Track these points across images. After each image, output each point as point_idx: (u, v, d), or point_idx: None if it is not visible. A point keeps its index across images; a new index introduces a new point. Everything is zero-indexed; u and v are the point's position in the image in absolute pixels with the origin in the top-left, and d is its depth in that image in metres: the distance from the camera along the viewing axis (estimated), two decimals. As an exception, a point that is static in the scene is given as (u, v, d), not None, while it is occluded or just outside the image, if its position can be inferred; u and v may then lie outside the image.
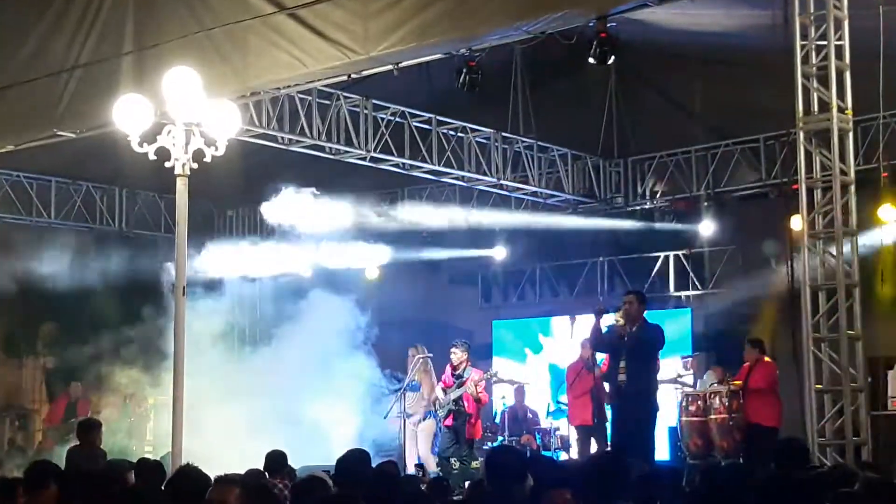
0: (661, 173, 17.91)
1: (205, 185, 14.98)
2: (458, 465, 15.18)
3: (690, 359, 16.78)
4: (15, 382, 20.45)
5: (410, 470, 14.73)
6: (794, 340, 12.17)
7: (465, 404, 15.45)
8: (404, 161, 16.43)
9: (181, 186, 10.55)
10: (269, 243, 20.05)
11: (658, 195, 18.13)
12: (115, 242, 20.02)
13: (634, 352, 12.79)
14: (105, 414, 16.75)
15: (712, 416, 14.35)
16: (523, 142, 17.45)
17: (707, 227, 17.69)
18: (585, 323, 14.78)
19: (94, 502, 7.07)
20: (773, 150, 16.55)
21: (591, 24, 11.93)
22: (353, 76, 12.66)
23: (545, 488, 6.73)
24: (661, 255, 18.85)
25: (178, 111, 10.36)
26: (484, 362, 17.57)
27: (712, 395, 14.49)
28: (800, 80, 11.32)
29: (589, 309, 14.14)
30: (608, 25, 12.08)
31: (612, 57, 12.40)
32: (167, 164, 10.44)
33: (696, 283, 18.64)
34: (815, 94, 11.35)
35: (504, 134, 17.21)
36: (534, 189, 17.86)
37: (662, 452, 15.34)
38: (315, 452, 15.71)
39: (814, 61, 11.33)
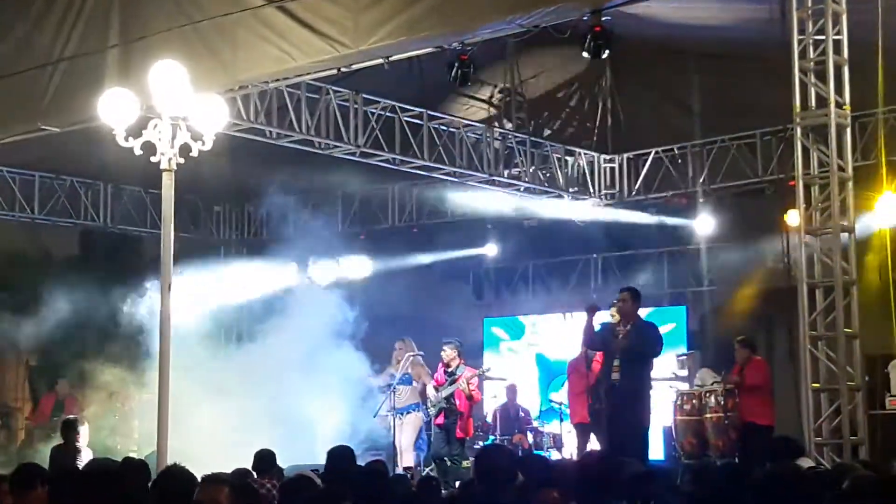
0: (656, 169, 17.72)
1: (191, 181, 14.90)
2: (448, 464, 15.06)
3: (685, 357, 16.63)
4: (-3, 380, 20.35)
5: (401, 468, 14.64)
6: (791, 338, 12.11)
7: (457, 402, 15.33)
8: (395, 156, 16.26)
9: (167, 181, 10.38)
10: (254, 264, 19.92)
11: (653, 191, 17.93)
12: (99, 238, 19.86)
13: (628, 350, 12.66)
14: (89, 412, 16.59)
15: (707, 415, 14.27)
16: (516, 137, 17.27)
17: (703, 224, 17.52)
18: (578, 320, 14.61)
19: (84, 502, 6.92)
20: (770, 146, 16.38)
21: (585, 18, 11.83)
22: (343, 70, 12.56)
23: (533, 487, 6.63)
24: (656, 251, 18.69)
25: (164, 105, 10.19)
26: (475, 360, 17.41)
27: (707, 394, 14.40)
28: (797, 74, 11.29)
29: (582, 306, 13.97)
30: (602, 19, 11.99)
31: (607, 51, 12.32)
32: (153, 159, 10.28)
33: (692, 279, 18.49)
34: (813, 90, 11.34)
35: (496, 129, 17.02)
36: (527, 185, 17.68)
37: (656, 452, 15.22)
38: (303, 450, 15.60)
39: (811, 56, 11.31)
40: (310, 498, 7.13)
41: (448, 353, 15.47)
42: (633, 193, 18.11)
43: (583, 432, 15.10)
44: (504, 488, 6.99)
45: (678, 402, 14.74)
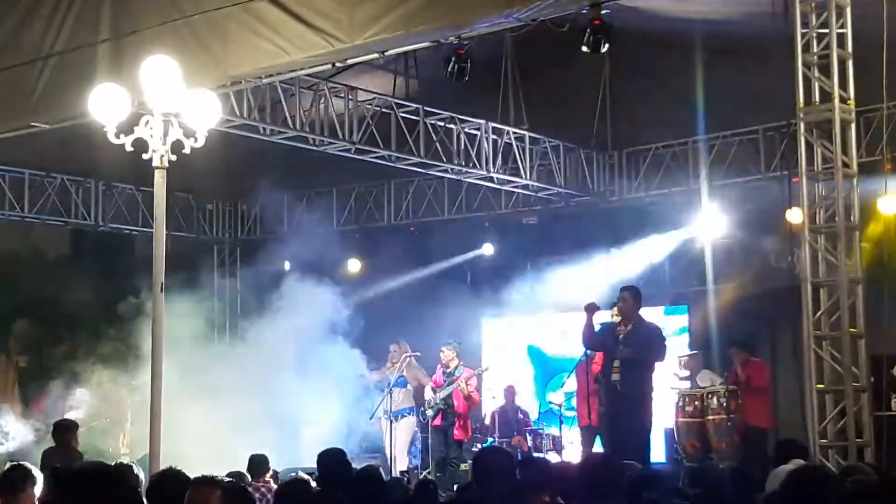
0: (657, 165, 17.52)
1: (184, 179, 14.72)
2: (445, 467, 14.91)
3: (687, 357, 16.43)
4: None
5: (396, 471, 14.52)
6: (795, 338, 11.95)
7: (455, 403, 15.18)
8: (390, 153, 16.07)
9: (159, 179, 10.30)
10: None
11: (653, 188, 17.73)
12: (91, 237, 19.66)
13: (629, 360, 12.51)
14: (80, 414, 16.42)
15: (709, 417, 14.13)
16: (514, 133, 17.09)
17: (704, 221, 17.30)
18: (578, 320, 14.41)
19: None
20: (772, 142, 16.23)
21: (584, 12, 11.71)
22: (338, 65, 12.39)
23: (524, 491, 6.47)
24: (657, 249, 18.49)
25: (156, 101, 10.09)
26: (473, 359, 17.24)
27: (710, 395, 14.26)
28: (800, 69, 11.15)
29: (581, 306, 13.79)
30: (602, 13, 11.85)
31: (606, 45, 12.18)
32: (145, 156, 10.19)
33: (694, 279, 18.28)
34: (817, 84, 11.19)
35: (494, 125, 16.86)
36: (525, 182, 17.49)
37: (658, 455, 15.07)
38: (298, 453, 15.48)
39: (815, 50, 11.17)
40: (306, 502, 7.10)
41: (447, 354, 15.36)
42: (634, 190, 17.91)
43: (589, 436, 14.86)
44: (502, 491, 6.89)
45: (680, 404, 14.62)
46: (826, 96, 11.08)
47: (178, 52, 10.50)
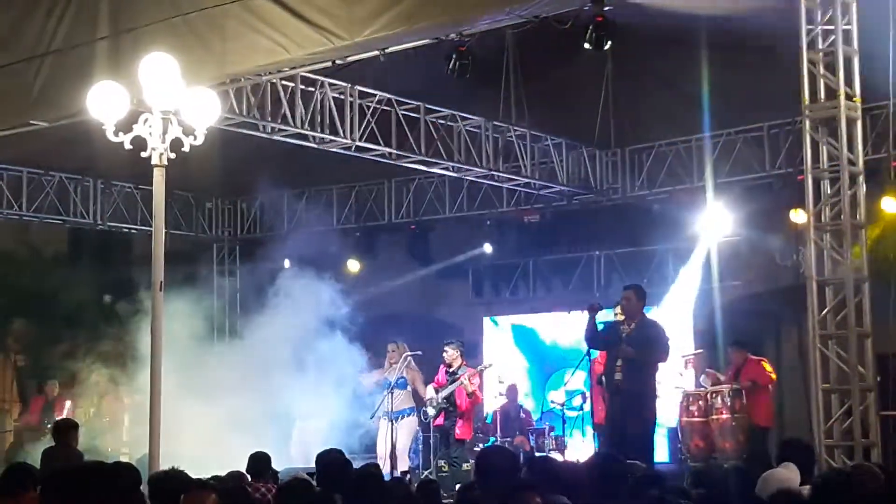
0: (661, 163, 17.43)
1: (183, 177, 14.65)
2: (448, 467, 14.82)
3: (691, 357, 16.36)
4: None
5: (398, 471, 14.44)
6: (800, 337, 11.88)
7: (458, 401, 15.11)
8: (391, 150, 15.99)
9: (158, 177, 10.30)
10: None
11: (656, 186, 17.63)
12: (89, 236, 19.57)
13: (631, 360, 12.43)
14: (79, 414, 16.37)
15: (713, 417, 14.04)
16: (516, 130, 17.01)
17: (708, 220, 17.20)
18: (580, 319, 14.34)
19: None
20: (777, 139, 16.12)
21: (586, 8, 11.63)
22: (338, 62, 12.34)
23: (514, 491, 6.47)
24: (660, 248, 18.42)
25: (154, 99, 10.09)
26: (475, 359, 17.16)
27: (714, 395, 14.17)
28: (806, 66, 11.06)
29: (584, 304, 13.73)
30: (605, 9, 11.81)
31: (609, 42, 12.14)
32: (143, 154, 10.18)
33: (698, 277, 18.17)
34: (822, 81, 11.10)
35: (495, 122, 16.78)
36: (526, 180, 17.40)
37: (662, 454, 15.01)
38: (298, 452, 15.41)
39: (820, 46, 11.09)
40: (308, 502, 7.11)
41: (450, 353, 15.30)
42: (637, 188, 17.82)
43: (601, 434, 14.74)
44: (500, 491, 6.77)
45: (684, 404, 14.55)
46: (832, 93, 10.98)
47: (177, 50, 10.48)
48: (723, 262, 17.46)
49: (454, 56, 13.24)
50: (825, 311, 11.11)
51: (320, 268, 17.27)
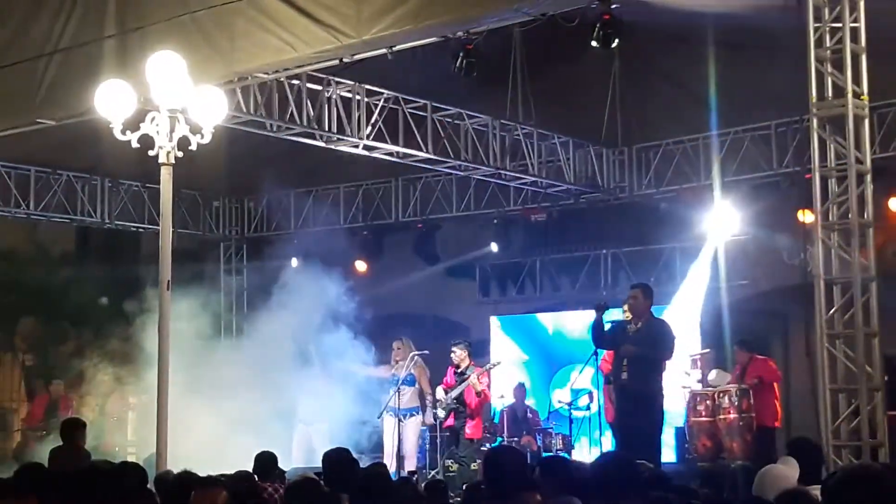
0: (668, 161, 17.39)
1: (190, 175, 14.64)
2: (455, 466, 14.80)
3: (699, 356, 16.31)
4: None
5: (405, 471, 14.42)
6: (808, 336, 11.81)
7: (468, 401, 15.09)
8: (398, 149, 15.97)
9: (165, 176, 10.27)
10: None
11: (664, 184, 17.59)
12: (96, 234, 19.57)
13: (636, 358, 12.39)
14: (85, 413, 16.35)
15: (721, 416, 14.00)
16: (523, 129, 16.98)
17: (715, 218, 17.16)
18: (587, 318, 14.32)
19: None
20: (785, 138, 16.06)
21: (593, 6, 11.61)
22: (346, 60, 12.31)
23: (515, 490, 6.47)
24: (668, 246, 18.37)
25: (162, 97, 10.06)
26: (483, 358, 17.13)
27: (721, 394, 14.12)
28: (813, 63, 10.96)
29: (592, 303, 13.70)
30: (612, 7, 11.80)
31: (616, 40, 12.14)
32: (151, 153, 10.15)
33: (705, 276, 18.13)
34: (830, 79, 10.98)
35: (502, 121, 16.75)
36: (533, 178, 17.37)
37: (670, 454, 14.95)
38: (305, 452, 15.39)
39: (828, 44, 10.97)
40: (317, 502, 7.08)
41: (458, 354, 15.30)
42: (644, 187, 17.77)
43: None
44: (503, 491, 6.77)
45: (692, 404, 14.49)
46: (839, 91, 10.88)
47: (185, 48, 10.45)
48: (730, 261, 17.43)
49: (461, 54, 13.22)
50: (833, 310, 11.04)
51: (327, 266, 17.27)
